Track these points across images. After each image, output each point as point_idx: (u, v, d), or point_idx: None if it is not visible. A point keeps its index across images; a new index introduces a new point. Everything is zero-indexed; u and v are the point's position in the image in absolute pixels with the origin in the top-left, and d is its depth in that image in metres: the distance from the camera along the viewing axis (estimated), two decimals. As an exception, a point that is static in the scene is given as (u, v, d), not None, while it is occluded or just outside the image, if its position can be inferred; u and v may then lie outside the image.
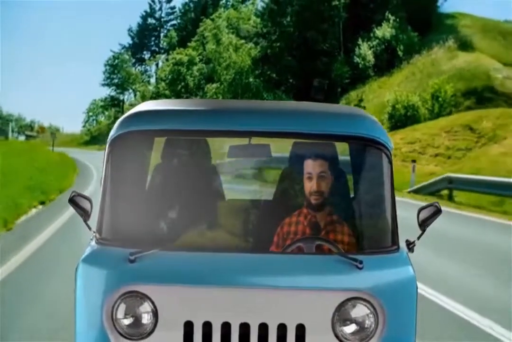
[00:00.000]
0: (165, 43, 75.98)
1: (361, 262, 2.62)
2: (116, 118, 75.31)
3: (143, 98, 64.76)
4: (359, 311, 2.61)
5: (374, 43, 41.15)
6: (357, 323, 2.61)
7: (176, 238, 2.86)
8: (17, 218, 9.83)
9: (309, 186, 2.97)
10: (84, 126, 79.83)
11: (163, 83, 62.79)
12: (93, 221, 2.82)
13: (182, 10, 77.18)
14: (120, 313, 2.61)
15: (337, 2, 42.78)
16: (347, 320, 2.61)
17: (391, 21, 41.27)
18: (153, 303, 2.60)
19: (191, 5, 76.17)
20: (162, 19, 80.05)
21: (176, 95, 58.15)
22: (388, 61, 39.89)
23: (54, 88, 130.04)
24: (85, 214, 2.84)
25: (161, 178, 3.13)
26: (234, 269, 2.62)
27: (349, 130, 2.87)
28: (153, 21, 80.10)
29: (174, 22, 78.84)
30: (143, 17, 79.97)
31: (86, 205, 2.84)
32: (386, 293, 2.62)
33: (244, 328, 2.56)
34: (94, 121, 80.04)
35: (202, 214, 3.03)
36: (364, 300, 2.61)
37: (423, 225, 2.84)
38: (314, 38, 41.63)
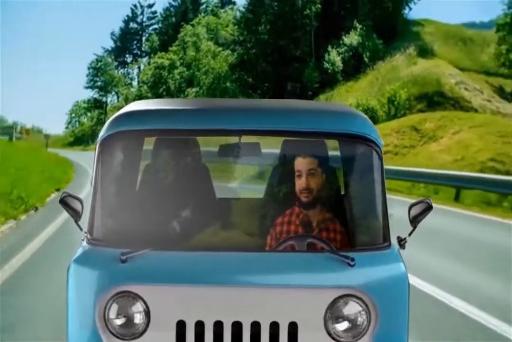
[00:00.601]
0: (146, 47, 78.24)
1: (352, 259, 2.63)
2: (99, 120, 77.70)
3: (126, 100, 67.04)
4: (351, 308, 2.63)
5: (343, 50, 44.62)
6: (349, 320, 2.63)
7: (167, 238, 2.86)
8: (46, 198, 13.55)
9: (299, 183, 2.98)
10: (67, 127, 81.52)
11: (145, 86, 65.39)
12: (84, 221, 2.85)
13: (163, 15, 79.43)
14: (112, 313, 2.62)
15: (308, 11, 46.31)
16: (339, 318, 2.62)
17: (358, 29, 44.70)
18: (145, 303, 2.61)
19: (172, 10, 78.38)
20: (144, 24, 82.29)
21: (158, 98, 61.48)
22: (355, 67, 43.39)
23: (36, 90, 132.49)
24: (76, 215, 2.86)
25: (151, 177, 3.15)
26: (226, 268, 2.64)
27: (339, 128, 2.88)
28: (135, 25, 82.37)
29: (155, 26, 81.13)
30: (125, 22, 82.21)
31: (77, 205, 2.87)
32: (378, 290, 2.64)
33: (237, 327, 2.57)
34: (77, 123, 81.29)
35: (193, 213, 3.03)
36: (356, 297, 2.63)
37: (414, 221, 2.87)
38: (287, 45, 45.08)
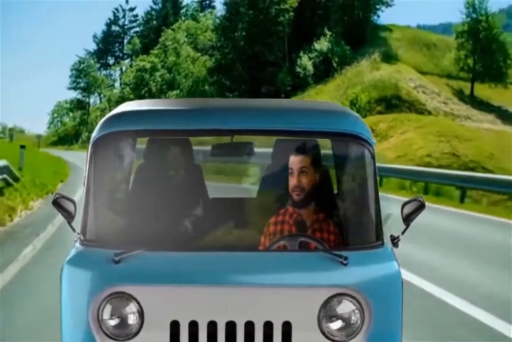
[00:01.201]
0: (128, 50, 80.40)
1: (346, 258, 2.65)
2: (82, 120, 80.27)
3: (109, 102, 70.03)
4: (345, 307, 2.64)
5: (314, 55, 47.94)
6: (343, 319, 2.64)
7: (160, 238, 2.85)
8: (57, 185, 17.21)
9: (291, 181, 3.00)
10: (49, 127, 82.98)
11: (127, 88, 67.97)
12: (77, 222, 2.86)
13: (145, 18, 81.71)
14: (106, 314, 2.63)
15: (282, 19, 49.83)
16: (333, 317, 2.64)
17: (328, 36, 47.94)
18: (138, 303, 2.62)
19: (153, 13, 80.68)
20: (126, 27, 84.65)
21: (140, 99, 64.40)
22: (324, 71, 46.72)
23: (16, 91, 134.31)
24: (69, 216, 2.88)
25: (144, 178, 3.16)
26: (219, 267, 2.65)
27: (331, 127, 2.90)
28: (117, 28, 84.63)
29: (137, 29, 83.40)
30: (108, 24, 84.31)
31: (69, 206, 2.89)
32: (372, 288, 2.66)
33: (231, 327, 2.59)
34: (59, 123, 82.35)
35: (186, 213, 3.05)
36: (350, 296, 2.64)
37: (407, 219, 2.89)
38: (262, 51, 48.45)
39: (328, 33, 48.36)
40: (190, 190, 3.18)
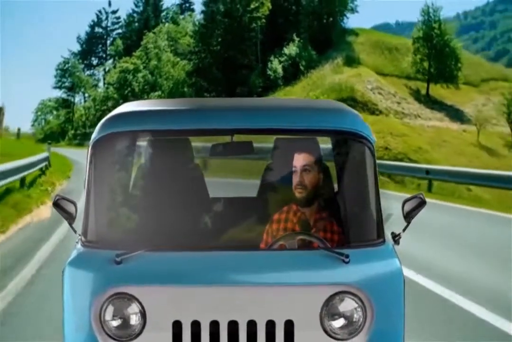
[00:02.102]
0: (111, 51, 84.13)
1: (347, 256, 2.67)
2: (67, 118, 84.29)
3: (95, 101, 74.57)
4: (347, 305, 2.67)
5: (283, 59, 52.79)
6: (345, 317, 2.67)
7: (162, 239, 2.86)
8: (68, 173, 22.68)
9: (294, 179, 3.03)
10: (33, 125, 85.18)
11: (111, 88, 72.48)
12: (78, 224, 2.92)
13: (127, 21, 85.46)
14: (108, 315, 2.66)
15: (255, 25, 55.21)
16: (335, 315, 2.66)
17: (296, 41, 53.07)
18: (140, 304, 2.65)
19: (135, 15, 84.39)
20: (108, 28, 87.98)
21: (123, 99, 66.91)
22: (293, 74, 51.47)
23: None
24: (70, 217, 2.93)
25: (144, 178, 3.19)
26: (221, 267, 2.68)
27: (331, 125, 2.94)
28: (100, 30, 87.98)
29: (119, 31, 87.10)
30: (91, 26, 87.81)
31: (70, 208, 2.94)
32: (373, 286, 2.69)
33: (233, 326, 2.62)
34: (43, 121, 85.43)
35: (187, 213, 3.08)
36: (352, 293, 2.67)
37: (408, 217, 2.93)
38: (236, 55, 53.58)
39: (297, 39, 53.52)
40: (190, 190, 3.18)
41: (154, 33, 68.50)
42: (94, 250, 2.79)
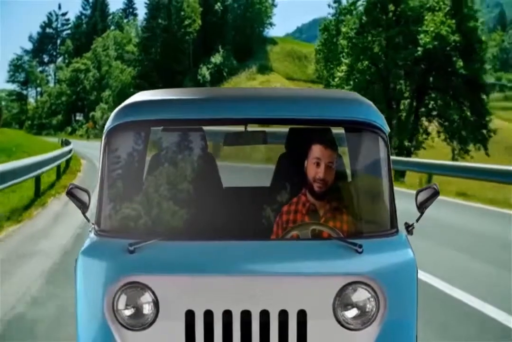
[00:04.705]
0: (62, 50, 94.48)
1: (360, 246, 2.69)
2: (22, 109, 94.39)
3: (50, 96, 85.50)
4: (360, 295, 2.70)
5: (210, 66, 66.55)
6: (358, 307, 2.70)
7: (175, 228, 2.92)
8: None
9: (316, 171, 3.03)
10: None
11: (64, 85, 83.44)
12: (92, 213, 2.96)
13: (76, 23, 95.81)
14: (121, 304, 2.69)
15: (188, 38, 69.19)
16: (348, 305, 2.69)
17: (221, 52, 66.81)
18: (153, 293, 2.67)
19: (83, 18, 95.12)
20: (58, 29, 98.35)
21: (76, 95, 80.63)
22: (218, 79, 64.99)
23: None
24: (83, 206, 2.97)
25: (158, 167, 3.18)
26: (234, 257, 2.71)
27: (345, 115, 2.95)
28: (51, 30, 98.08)
29: (68, 31, 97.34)
30: (42, 27, 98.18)
31: (84, 197, 2.98)
32: (387, 276, 2.71)
33: (246, 316, 2.64)
34: None
35: (200, 203, 3.09)
36: (365, 284, 2.69)
37: (422, 207, 2.96)
38: (172, 63, 67.29)
39: (221, 50, 67.40)
40: (204, 179, 3.19)
41: (102, 37, 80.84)
42: (108, 239, 2.83)
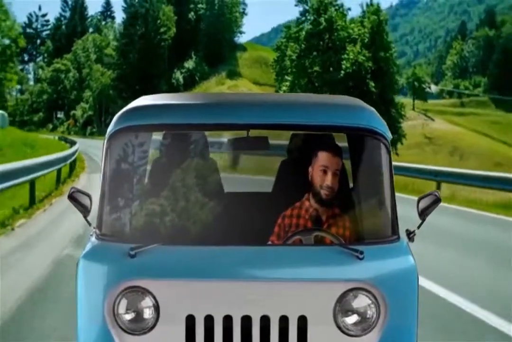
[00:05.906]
0: (42, 50, 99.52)
1: (361, 252, 2.72)
2: (2, 107, 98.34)
3: (31, 94, 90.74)
4: (361, 301, 2.73)
5: (184, 71, 73.39)
6: (358, 313, 2.73)
7: (176, 232, 2.96)
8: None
9: (323, 179, 3.07)
10: None
11: (45, 84, 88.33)
12: (93, 217, 2.98)
13: (55, 24, 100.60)
14: (121, 309, 2.72)
15: (163, 44, 75.25)
16: (348, 311, 2.72)
17: (193, 57, 73.79)
18: (154, 297, 2.70)
19: (63, 19, 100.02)
20: (38, 30, 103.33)
21: (57, 94, 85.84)
22: (191, 82, 72.16)
23: None
24: (84, 210, 3.01)
25: (159, 172, 3.24)
26: (235, 262, 2.74)
27: (347, 121, 3.00)
28: (31, 30, 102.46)
29: (48, 32, 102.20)
30: (23, 28, 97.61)
31: (85, 201, 3.02)
32: (387, 283, 2.75)
33: (246, 321, 2.68)
34: None
35: (201, 207, 3.10)
36: (366, 290, 2.73)
37: (423, 214, 3.00)
38: (149, 68, 73.91)
39: (194, 56, 74.46)
40: (205, 184, 3.20)
41: (82, 40, 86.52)
42: (109, 243, 2.86)
